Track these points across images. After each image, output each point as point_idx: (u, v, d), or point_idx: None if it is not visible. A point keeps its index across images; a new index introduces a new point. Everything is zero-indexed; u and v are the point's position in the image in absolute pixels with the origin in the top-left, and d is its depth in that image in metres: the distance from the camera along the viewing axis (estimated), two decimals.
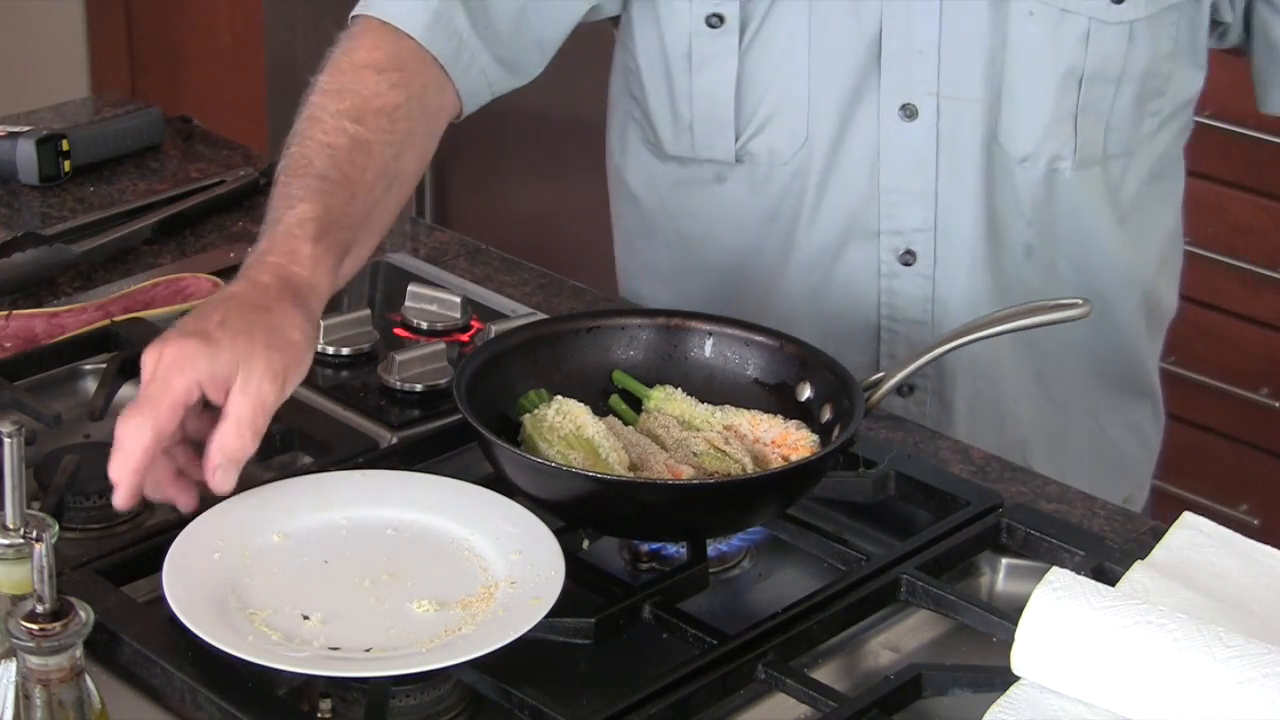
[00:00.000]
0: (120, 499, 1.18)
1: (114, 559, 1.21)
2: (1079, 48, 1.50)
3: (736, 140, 1.59)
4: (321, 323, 1.51)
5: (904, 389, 1.60)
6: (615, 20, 1.66)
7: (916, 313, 1.59)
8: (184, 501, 1.21)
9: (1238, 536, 1.25)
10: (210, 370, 1.17)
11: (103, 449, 1.36)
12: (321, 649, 1.10)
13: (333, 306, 1.60)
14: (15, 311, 1.57)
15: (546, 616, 1.13)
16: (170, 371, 1.18)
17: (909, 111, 1.52)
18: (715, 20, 1.55)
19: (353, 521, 1.23)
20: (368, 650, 1.10)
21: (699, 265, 1.68)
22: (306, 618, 1.13)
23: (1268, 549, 1.23)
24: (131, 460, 1.16)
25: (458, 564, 1.19)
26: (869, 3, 1.51)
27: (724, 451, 1.29)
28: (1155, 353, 1.74)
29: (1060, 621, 1.06)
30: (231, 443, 1.17)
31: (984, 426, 1.61)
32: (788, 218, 1.61)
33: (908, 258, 1.57)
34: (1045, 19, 1.49)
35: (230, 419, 1.18)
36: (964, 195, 1.55)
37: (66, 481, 1.32)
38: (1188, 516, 1.26)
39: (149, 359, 1.19)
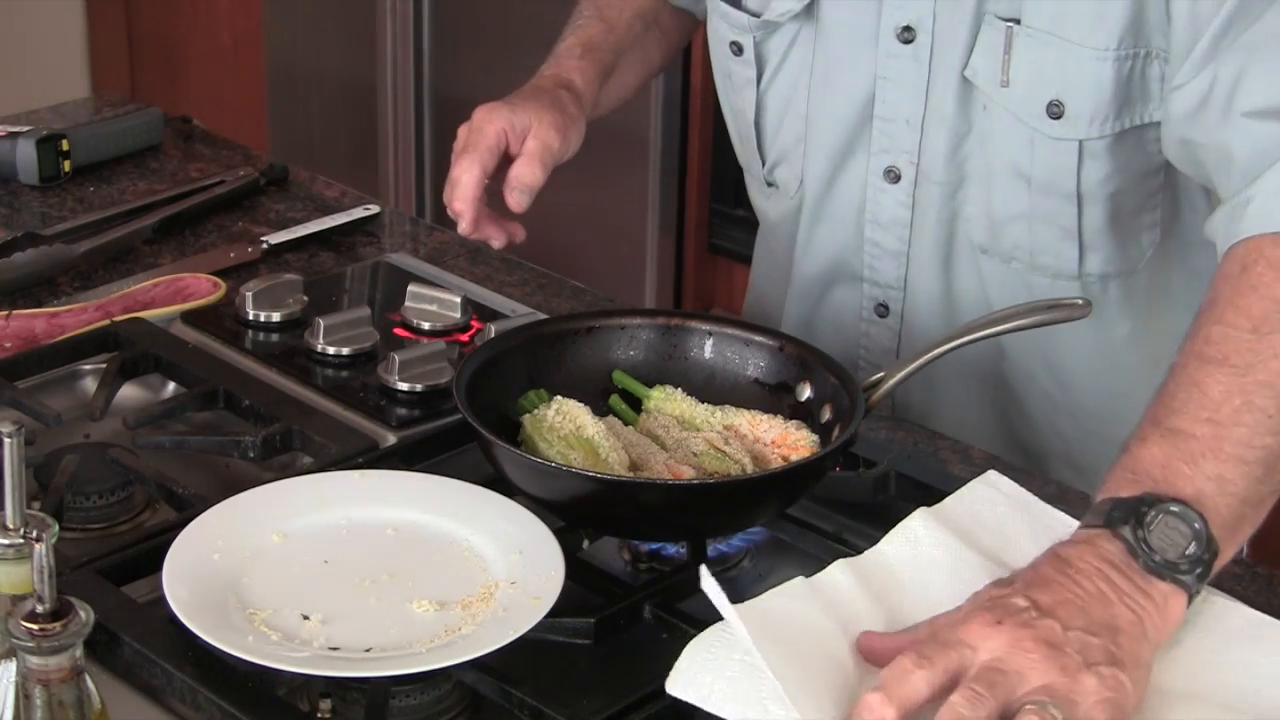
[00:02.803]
0: (465, 226, 1.50)
1: (114, 559, 1.22)
2: (1024, 153, 1.46)
3: (763, 165, 1.64)
4: (322, 322, 1.52)
5: None
6: None
7: (888, 362, 1.59)
8: (496, 238, 1.54)
9: (1036, 500, 1.26)
10: (511, 119, 1.51)
11: (103, 449, 1.37)
12: (321, 649, 1.10)
13: (333, 306, 1.61)
14: (15, 311, 1.57)
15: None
16: (483, 123, 1.51)
17: (892, 175, 1.54)
18: (735, 48, 1.60)
19: (353, 521, 1.23)
20: (368, 650, 1.10)
21: (759, 271, 1.76)
22: (306, 618, 1.13)
23: (1061, 515, 1.24)
24: (468, 191, 1.49)
25: (458, 564, 1.19)
26: (864, 64, 1.52)
27: (724, 451, 1.29)
28: None
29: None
30: (525, 172, 1.50)
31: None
32: (790, 241, 1.65)
33: (881, 309, 1.60)
34: (996, 117, 1.46)
35: (525, 155, 1.51)
36: (929, 265, 1.56)
37: (66, 481, 1.32)
38: (991, 474, 1.28)
39: (462, 129, 1.53)
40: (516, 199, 1.50)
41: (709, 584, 1.05)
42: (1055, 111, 1.43)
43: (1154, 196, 1.48)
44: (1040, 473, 1.56)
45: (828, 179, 1.58)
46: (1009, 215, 1.49)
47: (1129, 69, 1.40)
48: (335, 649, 1.11)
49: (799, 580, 1.12)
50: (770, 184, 1.65)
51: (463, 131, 1.53)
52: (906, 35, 1.48)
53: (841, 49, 1.53)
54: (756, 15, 1.57)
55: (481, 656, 1.09)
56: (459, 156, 1.51)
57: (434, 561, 1.20)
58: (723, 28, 1.61)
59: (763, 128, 1.62)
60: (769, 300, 1.75)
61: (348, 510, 1.24)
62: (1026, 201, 1.48)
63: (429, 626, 1.13)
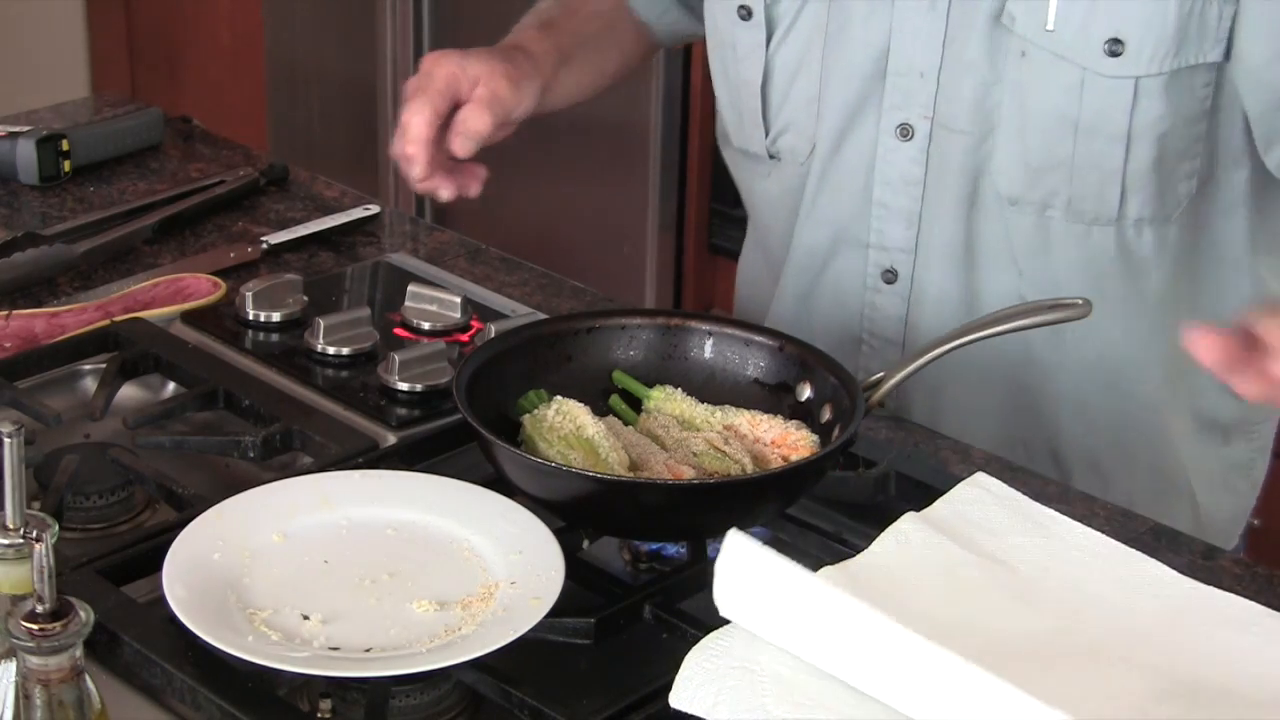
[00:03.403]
0: (417, 170, 1.46)
1: (114, 559, 1.21)
2: (1071, 97, 1.46)
3: (766, 136, 1.62)
4: (322, 322, 1.52)
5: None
6: None
7: (891, 332, 1.59)
8: (445, 188, 1.50)
9: (1025, 499, 1.26)
10: (462, 64, 1.48)
11: (103, 449, 1.37)
12: (321, 649, 1.10)
13: (333, 306, 1.61)
14: (15, 311, 1.57)
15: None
16: (433, 67, 1.48)
17: (905, 131, 1.53)
18: (744, 12, 1.59)
19: (353, 521, 1.23)
20: (368, 650, 1.10)
21: (748, 259, 1.75)
22: (306, 618, 1.13)
23: (1052, 512, 1.25)
24: (419, 132, 1.45)
25: (457, 564, 1.19)
26: (880, 18, 1.51)
27: (724, 451, 1.29)
28: (1209, 458, 1.64)
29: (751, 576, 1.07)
30: (472, 117, 1.47)
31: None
32: (790, 215, 1.63)
33: (889, 275, 1.58)
34: (1037, 62, 1.46)
35: (474, 101, 1.47)
36: (946, 224, 1.54)
37: (66, 481, 1.32)
38: (979, 476, 1.28)
39: (412, 79, 1.49)
40: (460, 144, 1.47)
41: (738, 537, 1.06)
42: (1114, 49, 1.43)
43: (1195, 144, 1.48)
44: (1061, 473, 1.56)
45: (836, 141, 1.56)
46: (1049, 162, 1.49)
47: (1189, 6, 1.41)
48: (335, 649, 1.11)
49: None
50: (773, 156, 1.63)
51: (412, 81, 1.50)
52: None
53: (856, 3, 1.52)
54: None
55: (481, 656, 1.09)
56: (408, 103, 1.47)
57: (434, 561, 1.20)
58: None
59: (769, 95, 1.60)
60: (760, 284, 1.73)
61: (348, 510, 1.24)
62: (1070, 146, 1.47)
63: (429, 626, 1.13)
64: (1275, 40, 1.41)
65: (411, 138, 1.46)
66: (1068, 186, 1.49)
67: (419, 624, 1.13)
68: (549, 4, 1.68)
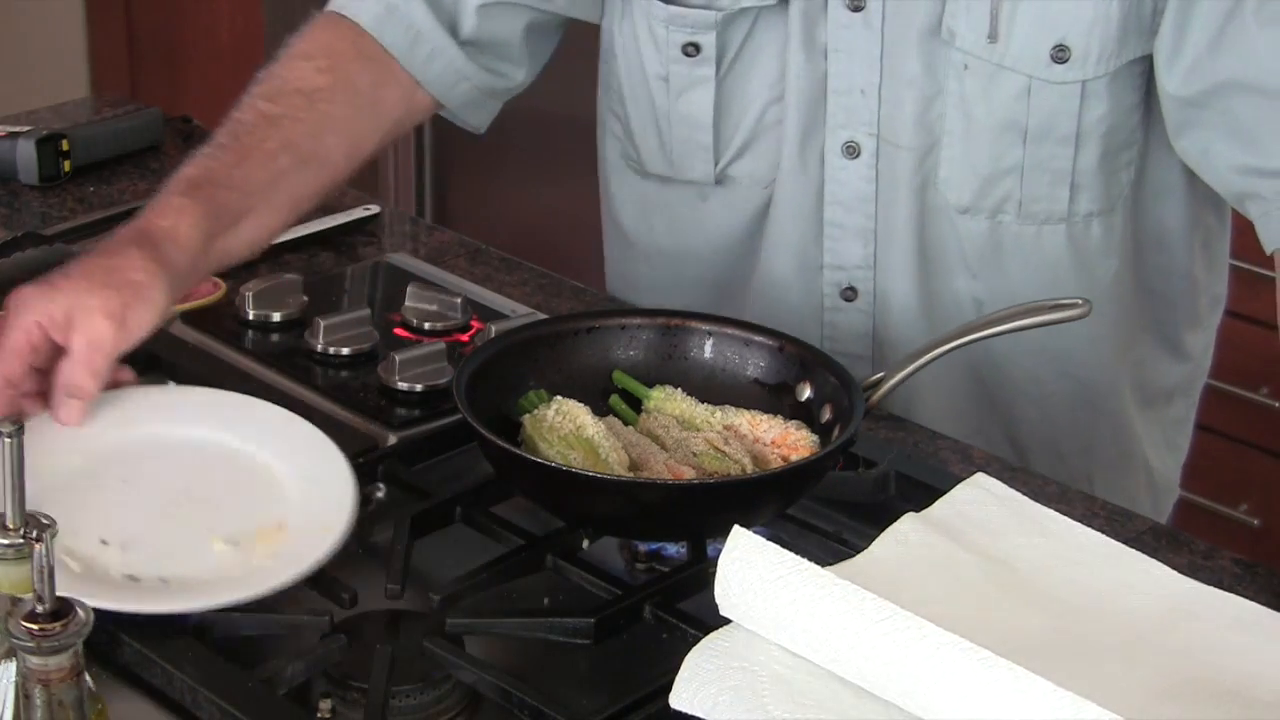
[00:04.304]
0: None
1: None
2: (1018, 104, 1.47)
3: (716, 164, 1.60)
4: (322, 322, 1.52)
5: None
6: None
7: (859, 347, 1.60)
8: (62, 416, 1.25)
9: (1025, 499, 1.26)
10: (47, 311, 1.24)
11: None
12: (120, 577, 1.11)
13: (333, 306, 1.61)
14: None
15: (547, 616, 1.13)
16: (12, 317, 1.24)
17: (851, 149, 1.53)
18: (691, 49, 1.56)
19: (156, 440, 1.24)
20: (164, 580, 1.11)
21: (675, 281, 1.69)
22: (105, 543, 1.13)
23: (1051, 512, 1.25)
24: None
25: (255, 490, 1.21)
26: (819, 40, 1.51)
27: (724, 452, 1.29)
28: (1155, 422, 1.68)
29: (750, 572, 1.08)
30: (72, 378, 1.24)
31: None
32: (753, 241, 1.62)
33: (849, 294, 1.59)
34: (980, 74, 1.47)
35: (70, 356, 1.24)
36: (900, 237, 1.55)
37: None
38: (979, 476, 1.28)
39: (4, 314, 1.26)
40: (64, 414, 1.24)
41: (744, 534, 1.07)
42: (1060, 55, 1.44)
43: (1134, 133, 1.51)
44: (1020, 458, 1.57)
45: (792, 165, 1.56)
46: (998, 170, 1.50)
47: (1129, 5, 1.42)
48: (133, 577, 1.11)
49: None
50: (719, 182, 1.60)
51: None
52: (856, 3, 1.48)
53: (796, 25, 1.51)
54: (717, 9, 1.53)
55: (276, 588, 1.13)
56: None
57: (232, 487, 1.21)
58: (670, 34, 1.56)
59: (720, 125, 1.58)
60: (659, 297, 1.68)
61: (150, 428, 1.24)
62: (1020, 152, 1.48)
63: (224, 558, 1.15)
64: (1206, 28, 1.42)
65: None
66: (1019, 191, 1.50)
67: (214, 555, 1.15)
68: (216, 145, 1.43)
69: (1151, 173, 1.54)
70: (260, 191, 1.41)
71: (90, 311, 1.24)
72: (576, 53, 1.73)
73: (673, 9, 1.55)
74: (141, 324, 1.27)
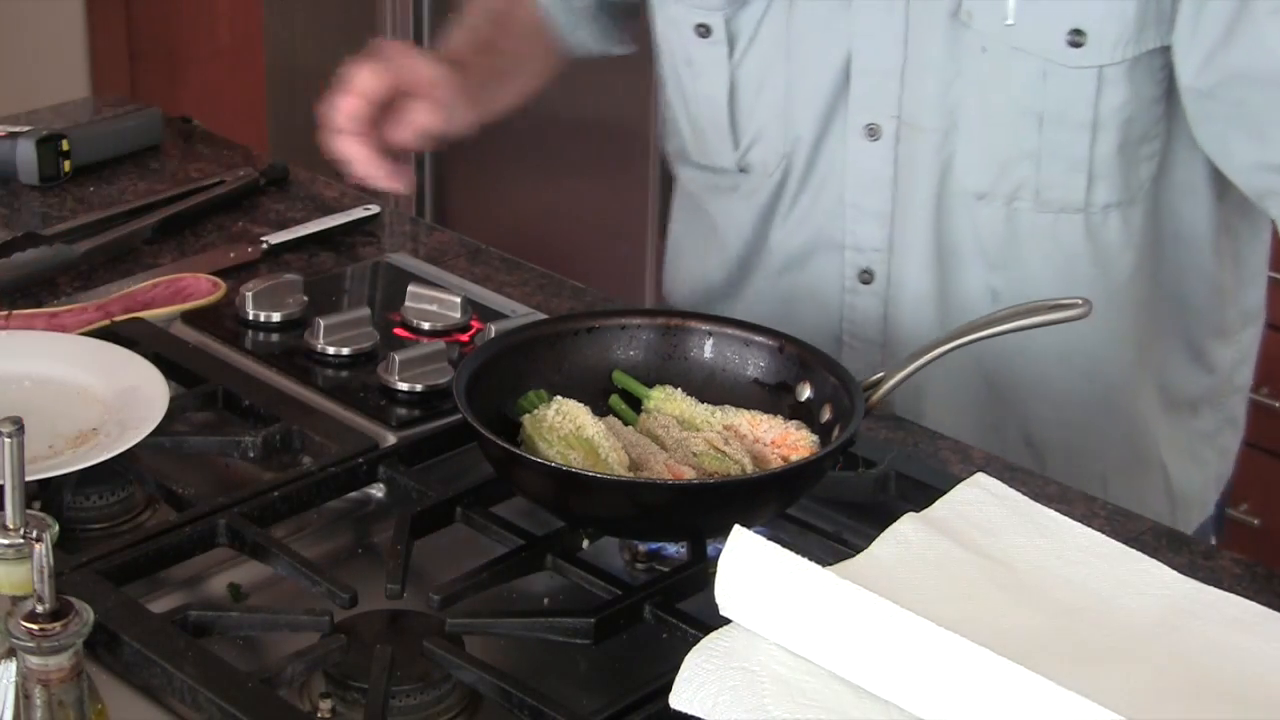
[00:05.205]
0: (350, 124, 1.40)
1: (114, 559, 1.21)
2: (1035, 89, 1.47)
3: (736, 149, 1.61)
4: (322, 322, 1.52)
5: None
6: None
7: (872, 332, 1.60)
8: (383, 176, 1.42)
9: (1025, 499, 1.26)
10: (419, 58, 1.45)
11: None
12: None
13: (333, 306, 1.61)
14: (15, 311, 1.57)
15: (547, 616, 1.13)
16: (389, 48, 1.44)
17: (873, 132, 1.54)
18: (703, 30, 1.58)
19: None
20: None
21: (702, 269, 1.71)
22: None
23: (1051, 512, 1.25)
24: (366, 86, 1.40)
25: (78, 406, 1.38)
26: (840, 22, 1.52)
27: (724, 452, 1.29)
28: (1177, 429, 1.66)
29: (753, 572, 1.08)
30: (425, 114, 1.43)
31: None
32: (762, 222, 1.63)
33: (865, 276, 1.59)
34: (998, 56, 1.47)
35: (427, 98, 1.43)
36: (917, 221, 1.55)
37: (66, 481, 1.32)
38: (979, 476, 1.28)
39: (357, 59, 1.41)
40: (408, 134, 1.42)
41: (744, 534, 1.07)
42: (1076, 40, 1.44)
43: (1156, 125, 1.50)
44: (1035, 457, 1.57)
45: (811, 147, 1.57)
46: (1015, 154, 1.50)
47: None
48: None
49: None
50: (742, 169, 1.63)
51: (357, 60, 1.43)
52: None
53: (816, 9, 1.52)
54: None
55: (79, 469, 1.28)
56: (359, 64, 1.41)
57: (60, 405, 1.38)
58: (683, 13, 1.59)
59: (736, 109, 1.60)
60: (712, 295, 1.72)
61: None
62: (1036, 137, 1.48)
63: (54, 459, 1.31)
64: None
65: (356, 89, 1.39)
66: (1035, 177, 1.50)
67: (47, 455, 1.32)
68: (480, 18, 1.65)
69: (1175, 169, 1.53)
70: (513, 65, 1.65)
71: (451, 83, 1.45)
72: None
73: None
74: (468, 116, 1.50)
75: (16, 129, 1.91)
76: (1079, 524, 1.24)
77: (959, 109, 1.50)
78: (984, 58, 1.47)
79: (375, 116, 1.42)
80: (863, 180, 1.56)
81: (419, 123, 1.42)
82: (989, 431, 1.59)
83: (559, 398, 1.33)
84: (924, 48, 1.49)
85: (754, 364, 1.39)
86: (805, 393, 1.36)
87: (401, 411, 1.45)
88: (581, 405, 1.31)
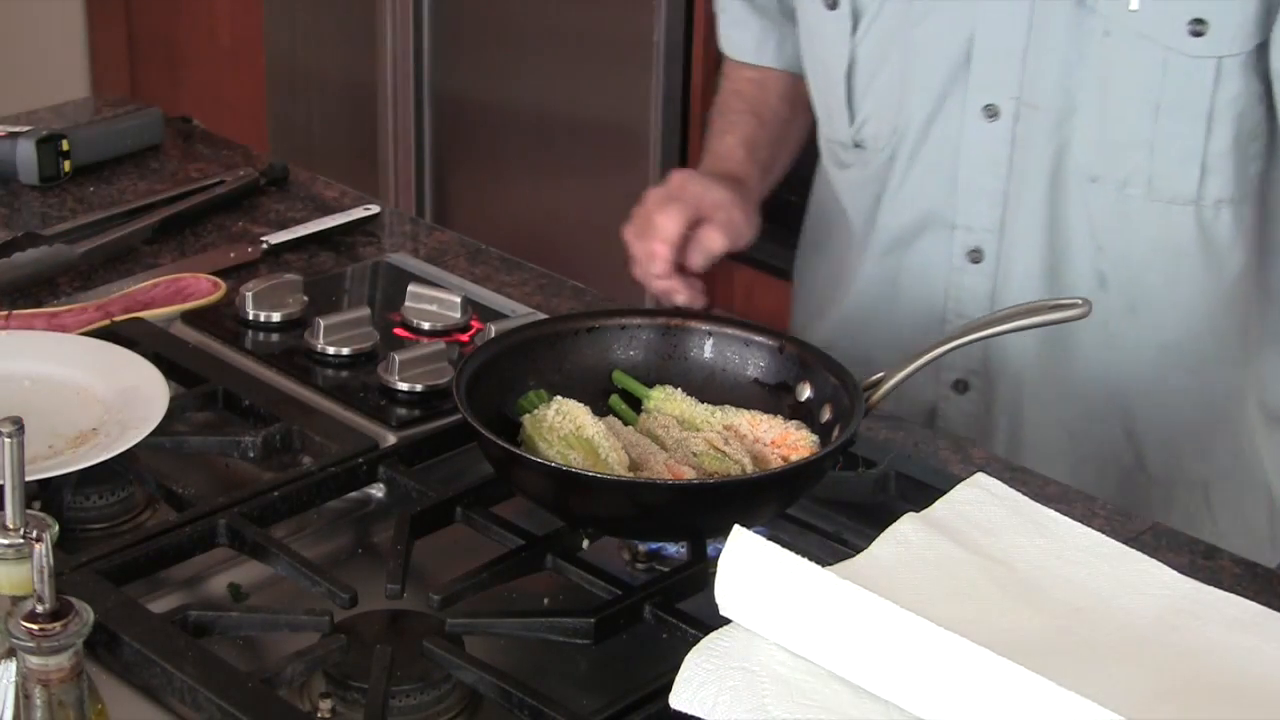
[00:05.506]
0: (660, 266, 1.52)
1: (114, 559, 1.21)
2: (1154, 76, 1.47)
3: (851, 124, 1.63)
4: (322, 322, 1.52)
5: (959, 385, 1.62)
6: None
7: (977, 310, 1.60)
8: (683, 293, 1.54)
9: (1025, 499, 1.26)
10: (708, 187, 1.56)
11: None
12: None
13: (333, 306, 1.61)
14: (15, 312, 1.57)
15: (547, 616, 1.13)
16: (683, 183, 1.56)
17: (991, 111, 1.54)
18: (829, 2, 1.60)
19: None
20: None
21: (821, 246, 1.76)
22: None
23: (1051, 512, 1.25)
24: (671, 233, 1.52)
25: (77, 407, 1.38)
26: (965, 3, 1.52)
27: (724, 452, 1.29)
28: (1276, 436, 1.64)
29: (754, 573, 1.08)
30: (712, 238, 1.53)
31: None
32: (873, 201, 1.64)
33: (975, 255, 1.59)
34: (1120, 41, 1.47)
35: (714, 223, 1.53)
36: (1030, 202, 1.55)
37: (66, 481, 1.32)
38: (979, 476, 1.28)
39: (657, 190, 1.56)
40: (699, 258, 1.54)
41: (744, 534, 1.07)
42: (1197, 29, 1.44)
43: (1261, 123, 1.51)
44: (1134, 452, 1.56)
45: (923, 126, 1.58)
46: (1129, 141, 1.50)
47: None
48: None
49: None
50: (857, 144, 1.64)
51: (658, 190, 1.56)
52: None
53: None
54: None
55: (79, 469, 1.28)
56: (659, 206, 1.53)
57: (59, 405, 1.38)
58: None
59: (854, 82, 1.62)
60: (818, 287, 1.74)
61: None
62: (1151, 125, 1.49)
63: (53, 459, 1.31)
64: None
65: (663, 237, 1.52)
66: (1148, 165, 1.50)
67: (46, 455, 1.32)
68: (739, 113, 1.72)
69: (1278, 171, 1.54)
70: (778, 150, 1.73)
71: (734, 204, 1.56)
72: (578, 56, 1.74)
73: None
74: (751, 230, 1.58)
75: (16, 129, 1.91)
76: (1079, 524, 1.24)
77: (1078, 92, 1.51)
78: (1106, 42, 1.48)
79: (679, 253, 1.54)
80: (978, 160, 1.56)
81: (714, 249, 1.53)
82: (1093, 422, 1.59)
83: (559, 398, 1.33)
84: (1048, 30, 1.50)
85: (754, 364, 1.39)
86: (805, 393, 1.36)
87: (401, 411, 1.45)
88: (581, 405, 1.31)
